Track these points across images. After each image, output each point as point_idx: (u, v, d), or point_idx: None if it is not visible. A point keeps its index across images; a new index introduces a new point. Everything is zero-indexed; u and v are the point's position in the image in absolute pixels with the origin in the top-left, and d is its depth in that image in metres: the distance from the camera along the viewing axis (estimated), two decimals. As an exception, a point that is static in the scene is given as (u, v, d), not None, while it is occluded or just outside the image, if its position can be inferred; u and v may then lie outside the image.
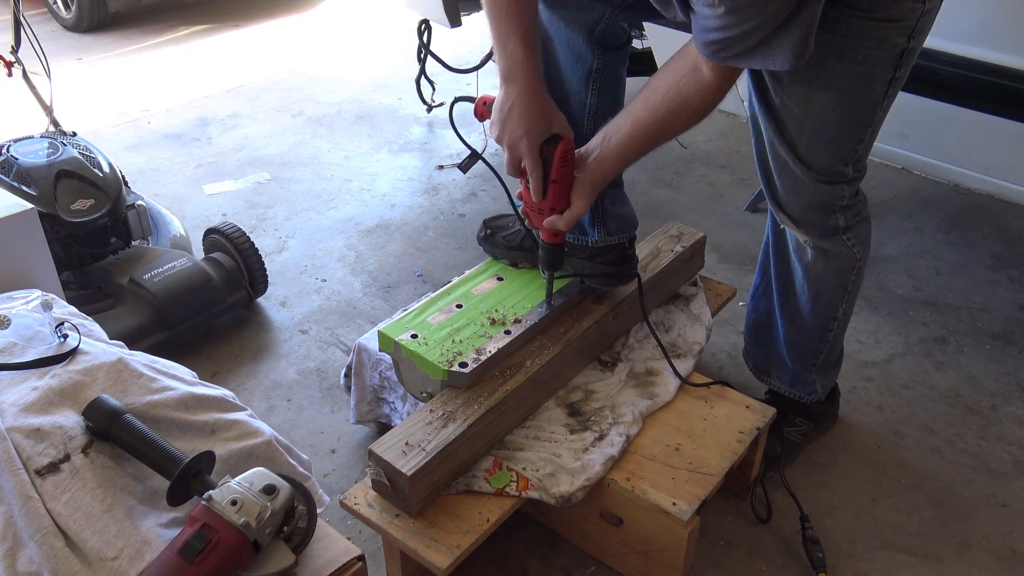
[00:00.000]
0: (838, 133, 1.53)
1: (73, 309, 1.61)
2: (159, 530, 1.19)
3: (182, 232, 2.59)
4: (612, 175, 1.57)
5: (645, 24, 2.67)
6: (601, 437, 1.62)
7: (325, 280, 2.67)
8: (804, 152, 1.56)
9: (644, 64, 2.98)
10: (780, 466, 1.84)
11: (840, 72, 1.45)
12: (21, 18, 2.44)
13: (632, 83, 4.15)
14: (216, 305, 2.32)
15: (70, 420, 1.27)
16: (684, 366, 1.81)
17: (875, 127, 1.55)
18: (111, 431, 1.24)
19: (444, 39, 4.13)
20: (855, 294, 1.80)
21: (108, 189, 2.31)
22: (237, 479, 1.18)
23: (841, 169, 1.58)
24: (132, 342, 1.81)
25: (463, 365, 1.58)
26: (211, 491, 1.15)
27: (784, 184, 1.64)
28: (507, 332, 1.67)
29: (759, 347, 1.98)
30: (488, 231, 1.97)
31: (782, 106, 1.54)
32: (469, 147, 1.75)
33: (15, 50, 2.46)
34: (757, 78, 1.58)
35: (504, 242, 1.93)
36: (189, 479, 1.20)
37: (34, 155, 2.27)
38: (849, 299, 1.79)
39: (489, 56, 3.51)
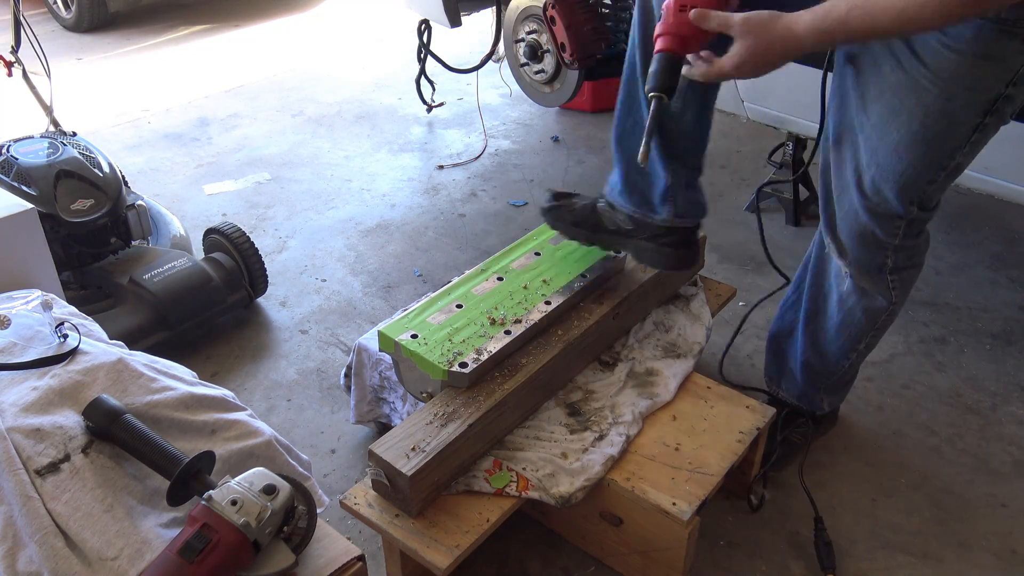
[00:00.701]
0: (909, 167, 1.46)
1: (73, 309, 1.61)
2: (159, 530, 1.19)
3: (182, 232, 2.59)
4: (817, 38, 1.24)
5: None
6: (601, 437, 1.62)
7: (325, 280, 2.67)
8: (870, 179, 1.51)
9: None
10: (798, 467, 1.84)
11: (925, 106, 1.38)
12: (21, 18, 2.44)
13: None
14: (216, 305, 2.32)
15: (70, 420, 1.27)
16: (684, 366, 1.81)
17: (952, 172, 1.47)
18: (111, 431, 1.24)
19: (444, 39, 4.13)
20: (881, 333, 1.77)
21: (108, 189, 2.31)
22: (237, 479, 1.18)
23: (904, 206, 1.51)
24: (132, 342, 1.81)
25: (463, 365, 1.58)
26: (211, 491, 1.15)
27: (842, 207, 1.59)
28: (507, 332, 1.67)
29: (773, 355, 1.98)
30: (554, 203, 1.89)
31: (859, 127, 1.48)
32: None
33: (15, 50, 2.46)
34: (841, 94, 1.51)
35: (570, 216, 1.86)
36: (189, 479, 1.20)
37: (34, 155, 2.27)
38: (875, 335, 1.76)
39: (489, 56, 3.52)
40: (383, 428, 1.96)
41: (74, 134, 2.47)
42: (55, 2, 5.16)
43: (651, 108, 1.41)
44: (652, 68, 1.38)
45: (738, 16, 1.26)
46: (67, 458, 1.22)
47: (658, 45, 1.37)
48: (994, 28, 1.28)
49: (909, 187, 1.49)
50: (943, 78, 1.35)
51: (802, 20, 1.23)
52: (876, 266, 1.63)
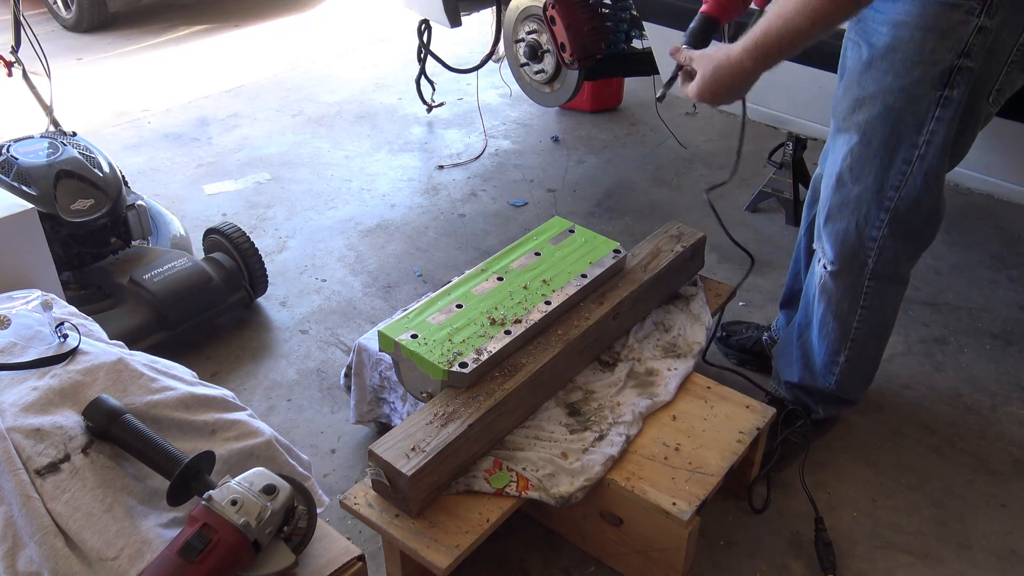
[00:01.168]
0: (881, 148, 1.52)
1: (73, 309, 1.61)
2: (159, 530, 1.19)
3: (182, 232, 2.59)
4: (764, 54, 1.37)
5: (645, 24, 2.67)
6: (601, 437, 1.62)
7: (325, 280, 2.67)
8: (849, 165, 1.57)
9: (644, 64, 2.98)
10: (798, 468, 1.84)
11: (884, 88, 1.46)
12: (21, 18, 2.44)
13: (631, 83, 4.14)
14: (216, 305, 2.32)
15: (70, 420, 1.27)
16: (684, 366, 1.81)
17: (926, 155, 1.51)
18: (111, 431, 1.24)
19: (444, 39, 4.13)
20: (862, 350, 1.79)
21: (108, 189, 2.31)
22: (237, 479, 1.18)
23: (884, 192, 1.56)
24: (132, 342, 1.81)
25: (463, 365, 1.58)
26: (211, 491, 1.15)
27: (827, 192, 1.65)
28: (507, 332, 1.67)
29: (776, 357, 2.00)
30: (724, 333, 2.22)
31: (842, 116, 1.57)
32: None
33: (15, 50, 2.46)
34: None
35: (737, 344, 2.20)
36: (189, 479, 1.20)
37: (34, 155, 2.27)
38: (853, 349, 1.78)
39: (489, 56, 3.51)
40: (383, 428, 1.96)
41: (74, 134, 2.47)
42: (55, 2, 5.16)
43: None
44: (691, 26, 1.55)
45: (696, 52, 1.45)
46: (67, 458, 1.22)
47: (703, 8, 1.54)
48: (936, 1, 1.37)
49: (886, 169, 1.54)
50: (896, 58, 1.43)
51: (735, 47, 1.37)
52: (857, 264, 1.66)
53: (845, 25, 1.59)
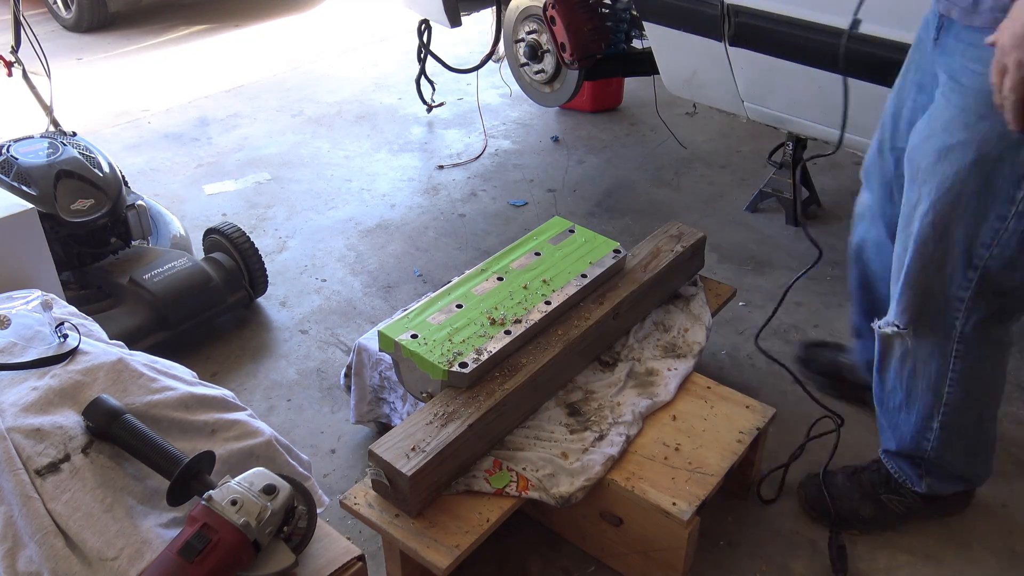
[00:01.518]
0: (972, 199, 1.38)
1: (73, 309, 1.61)
2: (159, 530, 1.19)
3: (182, 232, 2.59)
4: None
5: (645, 24, 2.67)
6: (601, 437, 1.62)
7: (325, 280, 2.67)
8: (933, 217, 1.43)
9: (644, 64, 2.98)
10: (820, 469, 1.83)
11: (982, 134, 1.33)
12: (21, 18, 2.44)
13: (631, 83, 4.13)
14: (216, 305, 2.32)
15: (70, 420, 1.27)
16: (684, 366, 1.81)
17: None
18: (111, 431, 1.24)
19: (444, 39, 4.13)
20: (957, 414, 1.61)
21: (108, 189, 2.31)
22: (237, 479, 1.18)
23: (972, 249, 1.42)
24: (132, 342, 1.81)
25: (463, 365, 1.58)
26: (211, 491, 1.16)
27: (905, 243, 1.50)
28: (507, 332, 1.67)
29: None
30: (806, 357, 2.17)
31: (921, 158, 1.44)
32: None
33: (15, 50, 2.46)
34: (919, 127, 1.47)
35: (818, 370, 2.13)
36: (189, 479, 1.20)
37: (34, 155, 2.27)
38: (948, 412, 1.61)
39: (489, 56, 3.52)
40: (383, 428, 1.96)
41: (74, 134, 2.47)
42: (55, 2, 5.16)
43: None
44: None
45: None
46: (67, 458, 1.22)
47: None
48: None
49: (977, 225, 1.39)
50: (993, 101, 1.24)
51: None
52: (942, 327, 1.52)
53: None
